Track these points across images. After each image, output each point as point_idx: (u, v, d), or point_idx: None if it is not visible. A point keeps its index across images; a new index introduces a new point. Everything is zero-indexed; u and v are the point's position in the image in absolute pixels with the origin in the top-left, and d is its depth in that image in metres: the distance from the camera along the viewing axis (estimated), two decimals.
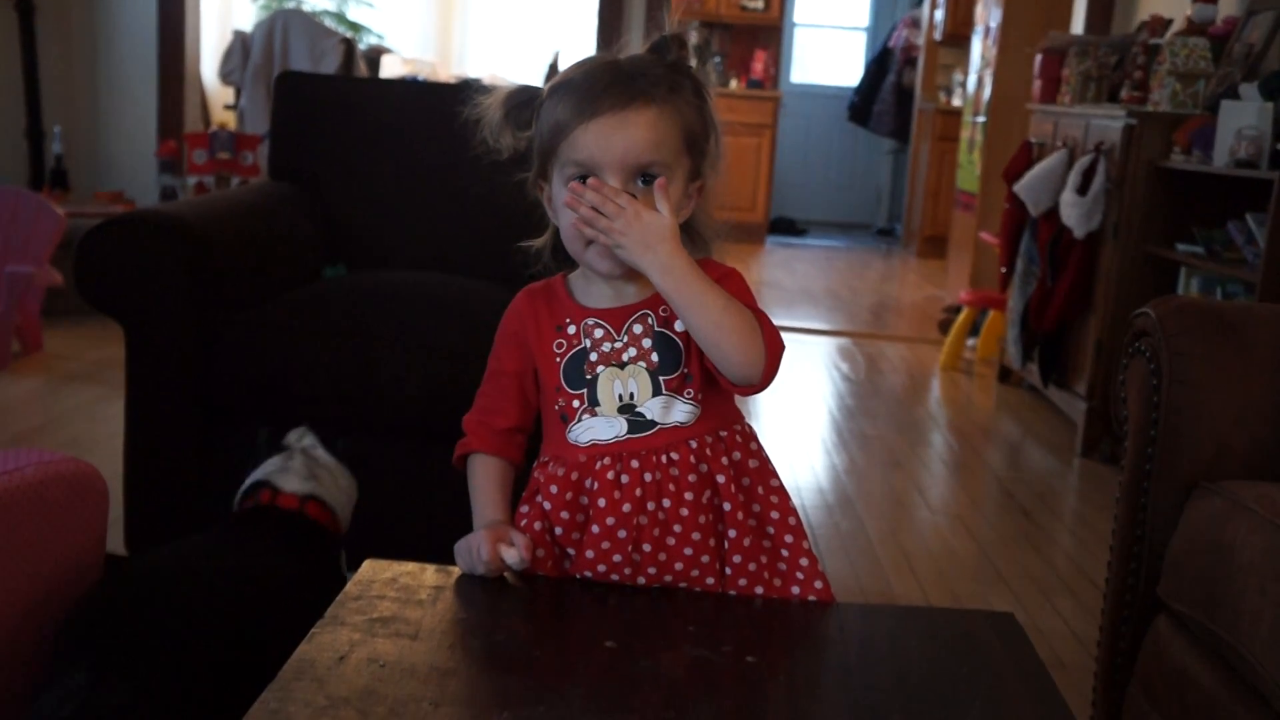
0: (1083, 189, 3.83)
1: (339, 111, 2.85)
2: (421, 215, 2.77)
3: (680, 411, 1.29)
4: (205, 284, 2.18)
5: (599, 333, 1.30)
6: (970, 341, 5.16)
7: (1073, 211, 3.83)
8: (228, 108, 5.97)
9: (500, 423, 1.36)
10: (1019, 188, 4.24)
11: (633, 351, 1.29)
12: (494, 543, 1.27)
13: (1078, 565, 2.86)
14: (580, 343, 1.31)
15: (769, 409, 4.09)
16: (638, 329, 1.30)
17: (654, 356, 1.29)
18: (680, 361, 1.29)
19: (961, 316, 5.01)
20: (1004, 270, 4.56)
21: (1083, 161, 3.87)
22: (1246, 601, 1.52)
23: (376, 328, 2.20)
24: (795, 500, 3.06)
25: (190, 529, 2.22)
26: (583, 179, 1.24)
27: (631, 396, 1.29)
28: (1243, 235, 3.25)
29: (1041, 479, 3.62)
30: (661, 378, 1.28)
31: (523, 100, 1.32)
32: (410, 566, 1.31)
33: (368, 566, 1.31)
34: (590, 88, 1.24)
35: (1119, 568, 1.87)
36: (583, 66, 1.28)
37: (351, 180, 2.79)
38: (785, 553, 1.32)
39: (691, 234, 1.33)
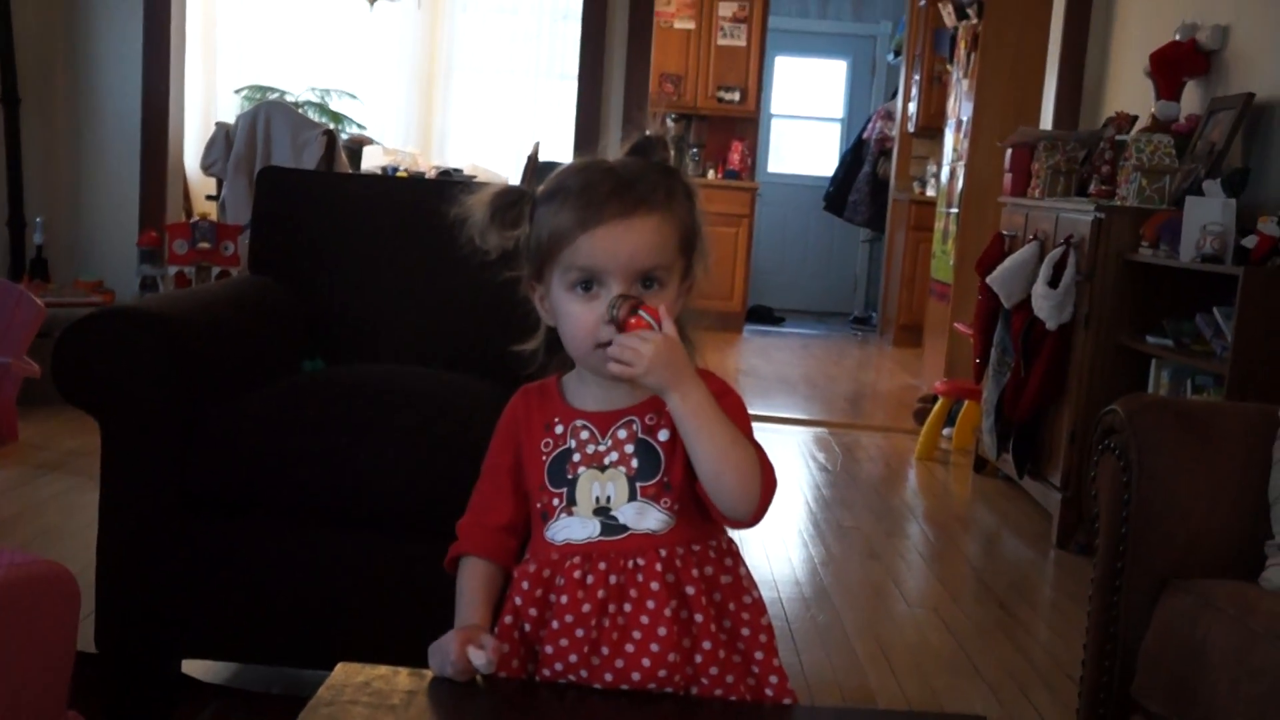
0: (1054, 281, 3.89)
1: (320, 206, 2.88)
2: (401, 309, 2.79)
3: (654, 519, 1.30)
4: (184, 380, 2.18)
5: (585, 434, 1.32)
6: (946, 431, 5.19)
7: (1045, 303, 3.88)
8: (209, 198, 6.00)
9: (494, 520, 1.37)
10: (992, 279, 4.29)
11: (614, 456, 1.31)
12: (463, 645, 1.27)
13: (1054, 658, 2.86)
14: (566, 443, 1.33)
15: None
16: (622, 434, 1.31)
17: (634, 462, 1.30)
18: (659, 470, 1.30)
19: (937, 406, 5.04)
20: (978, 361, 4.61)
21: (1053, 254, 3.93)
22: (1218, 700, 1.53)
23: (356, 421, 2.20)
24: (771, 594, 3.07)
25: (164, 626, 2.21)
26: (585, 284, 1.27)
27: (608, 499, 1.30)
28: (1210, 328, 3.30)
29: (1017, 570, 3.62)
30: (638, 484, 1.30)
31: (509, 200, 1.33)
32: (383, 670, 1.31)
33: (340, 670, 1.31)
34: (592, 196, 1.26)
35: (1093, 665, 1.87)
36: (578, 172, 1.30)
37: (332, 275, 2.81)
38: (755, 669, 1.32)
39: (679, 331, 1.36)
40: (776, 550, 3.55)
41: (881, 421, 5.80)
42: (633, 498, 1.30)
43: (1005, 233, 4.61)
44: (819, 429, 5.48)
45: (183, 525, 2.19)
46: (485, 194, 1.34)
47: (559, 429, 1.33)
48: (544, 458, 1.33)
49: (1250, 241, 3.18)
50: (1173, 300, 3.61)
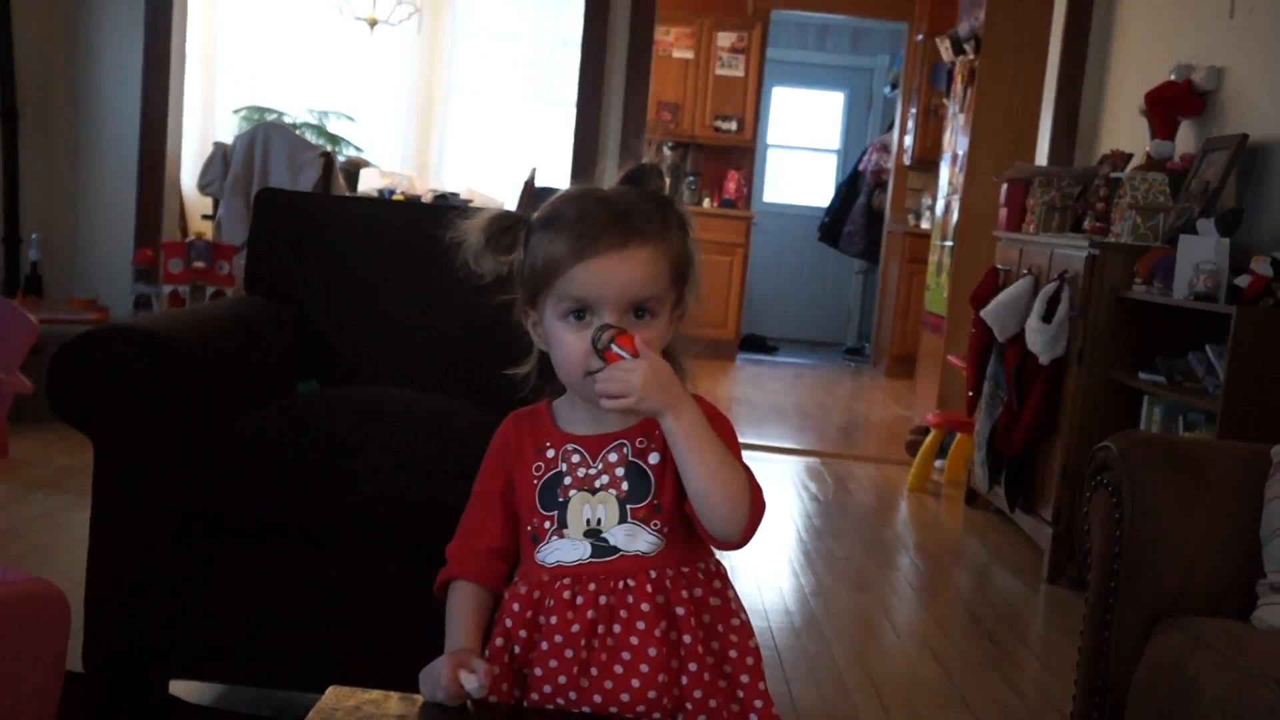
0: (1047, 316, 3.90)
1: (317, 228, 2.88)
2: (396, 332, 2.79)
3: (644, 541, 1.31)
4: (177, 401, 2.18)
5: (576, 458, 1.33)
6: (938, 463, 5.19)
7: (1038, 338, 3.90)
8: (205, 218, 6.01)
9: (484, 544, 1.37)
10: (985, 313, 4.31)
11: (605, 479, 1.32)
12: (454, 668, 1.27)
13: (1044, 693, 2.85)
14: (557, 466, 1.34)
15: None
16: (613, 457, 1.32)
17: (624, 485, 1.31)
18: (650, 493, 1.31)
19: (929, 438, 5.05)
20: (970, 393, 4.62)
21: (1047, 289, 3.95)
22: None
23: (349, 444, 2.20)
24: (761, 623, 3.07)
25: (153, 647, 2.20)
26: (578, 313, 1.28)
27: (598, 522, 1.31)
28: (1203, 366, 3.31)
29: (1008, 603, 3.62)
30: (629, 506, 1.31)
31: (505, 226, 1.35)
32: (374, 694, 1.30)
33: (331, 694, 1.30)
34: (587, 226, 1.27)
35: (1083, 702, 1.87)
36: (573, 201, 1.31)
37: (327, 296, 2.81)
38: (740, 693, 1.33)
39: (668, 358, 1.37)
40: (767, 579, 3.55)
41: (873, 452, 5.80)
42: (623, 520, 1.31)
43: (999, 267, 4.63)
44: (811, 459, 5.48)
45: (174, 545, 2.18)
46: (481, 218, 1.35)
47: (550, 453, 1.34)
48: (535, 481, 1.34)
49: (1243, 281, 3.20)
50: (1165, 337, 3.62)
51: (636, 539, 1.30)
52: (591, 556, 1.30)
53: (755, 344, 9.49)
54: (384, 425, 2.28)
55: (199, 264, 5.08)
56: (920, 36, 8.20)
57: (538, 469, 1.34)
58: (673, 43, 8.98)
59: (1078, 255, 3.84)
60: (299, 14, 7.20)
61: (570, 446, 1.34)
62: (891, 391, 7.89)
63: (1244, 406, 3.06)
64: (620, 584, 1.29)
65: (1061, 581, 3.76)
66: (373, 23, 6.95)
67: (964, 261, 5.83)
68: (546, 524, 1.32)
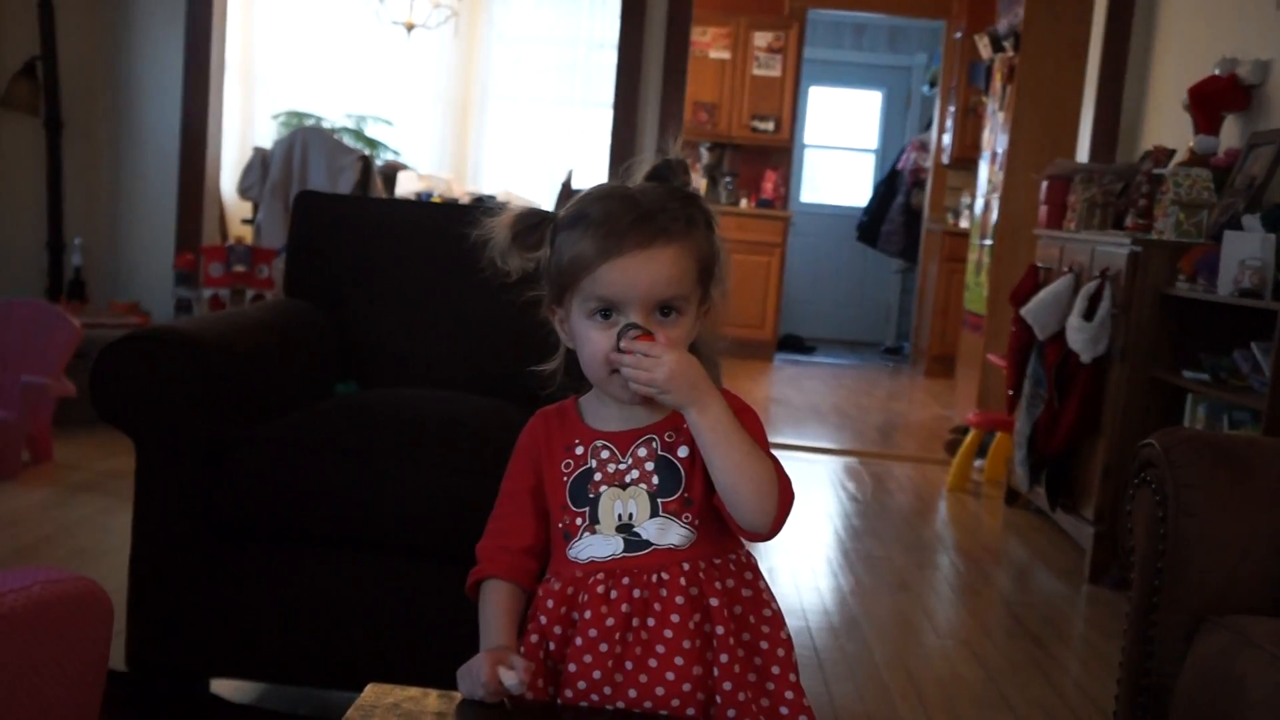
0: (1089, 314, 3.86)
1: (356, 231, 2.90)
2: (434, 333, 2.81)
3: (676, 534, 1.31)
4: (218, 402, 2.20)
5: (605, 454, 1.34)
6: (977, 463, 5.15)
7: (1079, 336, 3.86)
8: (245, 222, 6.06)
9: (515, 542, 1.38)
10: (1025, 311, 4.27)
11: (635, 474, 1.32)
12: (493, 666, 1.27)
13: (1087, 695, 2.82)
14: (587, 463, 1.34)
15: None
16: (642, 452, 1.33)
17: (655, 479, 1.32)
18: (680, 486, 1.32)
19: (969, 438, 5.01)
20: (1011, 392, 4.58)
21: (1089, 287, 3.91)
22: None
23: (387, 445, 2.21)
24: (800, 623, 3.05)
25: (195, 646, 2.22)
26: (604, 312, 1.29)
27: (630, 516, 1.32)
28: (1248, 363, 3.27)
29: (1050, 604, 3.59)
30: (660, 500, 1.31)
31: (531, 223, 1.35)
32: (413, 692, 1.31)
33: (370, 691, 1.31)
34: (612, 226, 1.28)
35: (1126, 703, 1.85)
36: (599, 200, 1.32)
37: (366, 298, 2.83)
38: (771, 685, 1.33)
39: (696, 353, 1.37)
40: (806, 579, 3.53)
41: (912, 452, 5.77)
42: (655, 514, 1.31)
43: (1040, 265, 4.59)
44: (849, 458, 5.45)
45: (214, 546, 2.20)
46: (507, 216, 1.36)
47: (579, 450, 1.35)
48: (565, 478, 1.35)
49: None
50: (1210, 335, 3.58)
51: (668, 532, 1.31)
52: (624, 551, 1.31)
53: (793, 344, 9.46)
54: (421, 427, 2.29)
55: (239, 268, 5.12)
56: (958, 34, 8.15)
57: (567, 466, 1.35)
58: (709, 43, 8.97)
59: (1120, 252, 3.80)
60: (336, 19, 7.25)
61: (599, 443, 1.34)
62: (931, 391, 7.84)
63: None
64: (654, 577, 1.30)
65: (1104, 581, 3.72)
66: (410, 27, 6.98)
67: (1003, 260, 5.78)
68: (578, 520, 1.33)
